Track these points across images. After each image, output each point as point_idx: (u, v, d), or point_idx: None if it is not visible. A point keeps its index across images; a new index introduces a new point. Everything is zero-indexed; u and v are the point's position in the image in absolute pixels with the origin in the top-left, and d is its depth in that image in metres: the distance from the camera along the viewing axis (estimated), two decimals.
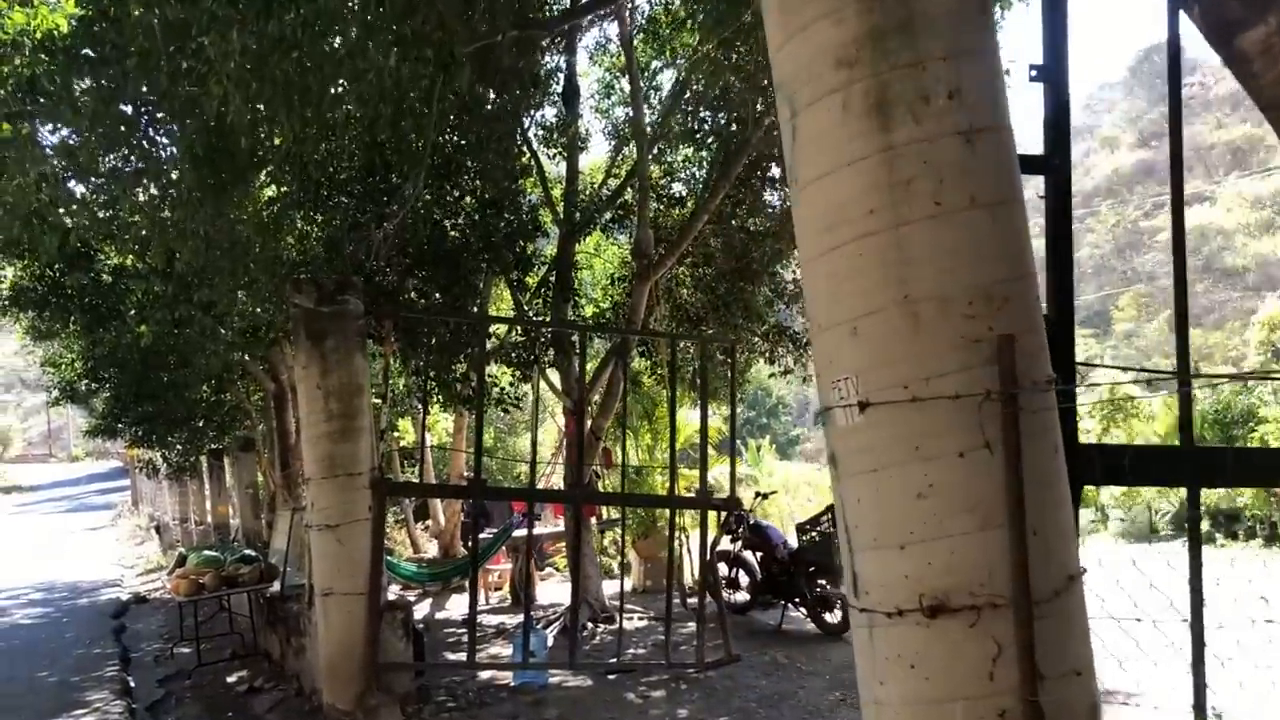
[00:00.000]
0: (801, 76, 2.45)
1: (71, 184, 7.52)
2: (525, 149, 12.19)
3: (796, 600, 10.88)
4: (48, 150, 6.85)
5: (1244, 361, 33.30)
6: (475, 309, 12.49)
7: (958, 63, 2.33)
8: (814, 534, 10.95)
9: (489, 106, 9.54)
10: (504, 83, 8.68)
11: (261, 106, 5.74)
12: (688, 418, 15.46)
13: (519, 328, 12.87)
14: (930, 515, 2.26)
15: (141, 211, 7.71)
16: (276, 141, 7.33)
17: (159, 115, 6.74)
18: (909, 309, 2.28)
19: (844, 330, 2.38)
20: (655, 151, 12.65)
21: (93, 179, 7.43)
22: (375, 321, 9.25)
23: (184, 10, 5.14)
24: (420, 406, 13.22)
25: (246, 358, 14.88)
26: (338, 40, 5.50)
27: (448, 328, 10.85)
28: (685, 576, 13.38)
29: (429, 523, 19.94)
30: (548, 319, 12.33)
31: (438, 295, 11.00)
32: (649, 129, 11.96)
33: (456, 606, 13.88)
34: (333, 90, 5.93)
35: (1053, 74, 2.97)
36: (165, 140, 7.24)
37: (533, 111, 12.19)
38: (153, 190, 7.67)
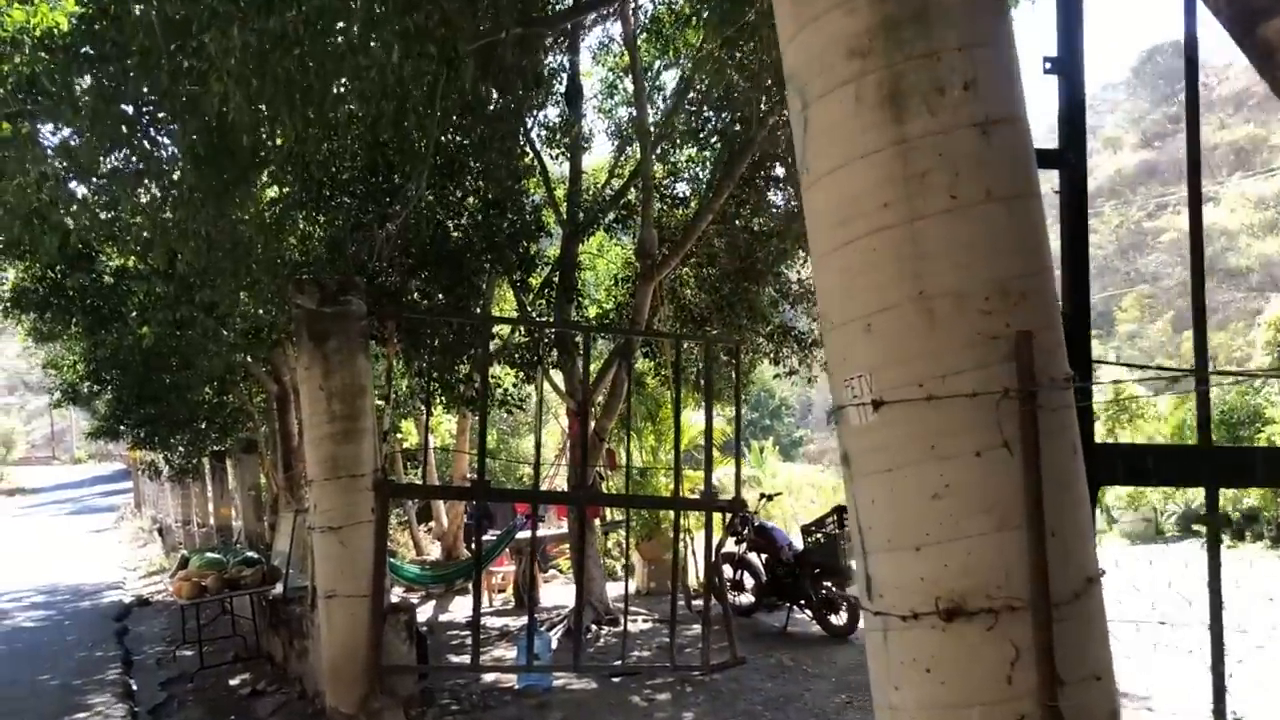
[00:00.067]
0: (813, 67, 2.40)
1: (72, 184, 7.49)
2: (528, 149, 12.15)
3: (802, 602, 10.82)
4: (48, 150, 6.82)
5: (1249, 362, 33.23)
6: (478, 310, 12.45)
7: (973, 53, 2.27)
8: (819, 535, 10.90)
9: (492, 106, 9.50)
10: (507, 81, 8.63)
11: (263, 105, 5.69)
12: (691, 419, 15.40)
13: (522, 328, 12.82)
14: (946, 516, 2.21)
15: (143, 212, 7.67)
16: (278, 141, 7.29)
17: (160, 115, 6.70)
18: (924, 305, 2.23)
19: (857, 327, 2.33)
20: (659, 151, 12.61)
21: (94, 179, 7.39)
22: (378, 322, 9.22)
23: (184, 7, 5.10)
24: (423, 408, 13.18)
25: (249, 359, 14.84)
26: (339, 37, 5.46)
27: (451, 328, 10.81)
28: (689, 578, 13.33)
29: (432, 524, 19.89)
30: (551, 320, 12.28)
31: (441, 296, 10.95)
32: (652, 129, 11.91)
33: (460, 609, 13.83)
34: (334, 88, 5.89)
35: (1067, 66, 2.92)
36: (166, 140, 7.20)
37: (536, 111, 12.16)
38: (154, 191, 7.63)
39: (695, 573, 13.35)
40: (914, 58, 2.26)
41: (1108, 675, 2.27)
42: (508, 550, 14.17)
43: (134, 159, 7.05)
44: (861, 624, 10.07)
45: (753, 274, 12.97)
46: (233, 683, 9.85)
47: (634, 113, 12.39)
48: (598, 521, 14.48)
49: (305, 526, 8.60)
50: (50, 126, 6.91)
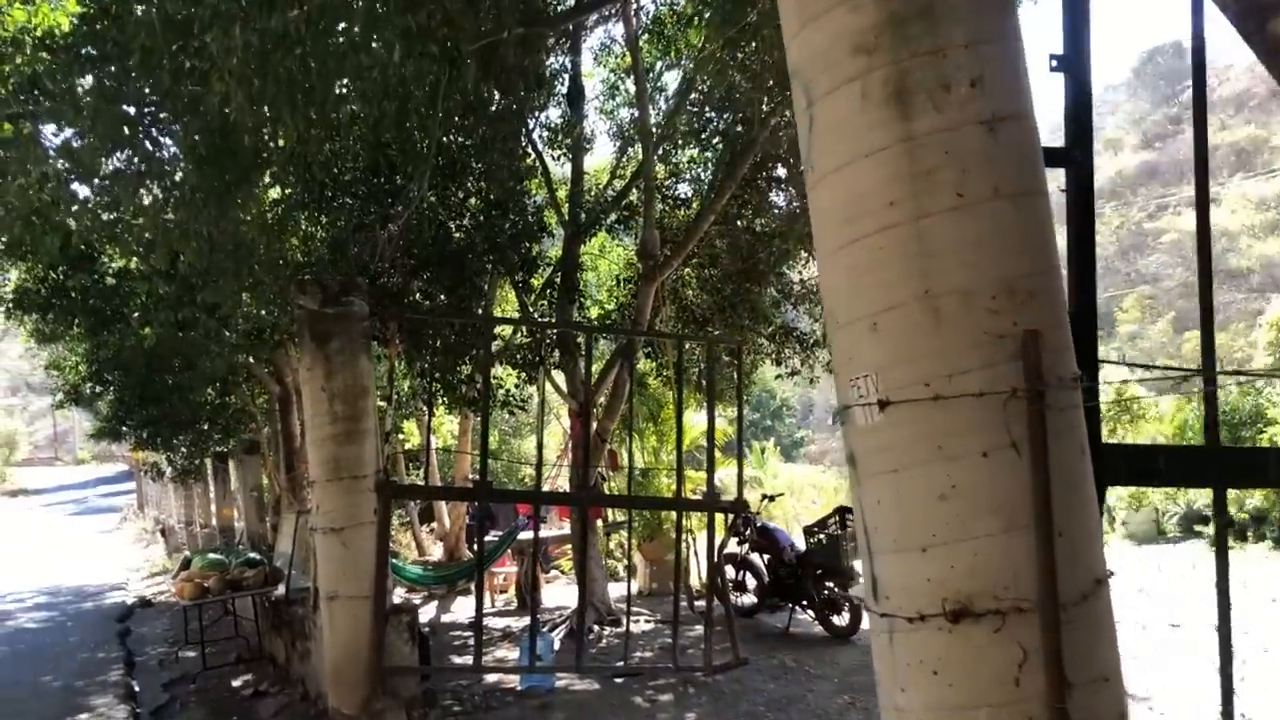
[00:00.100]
0: (818, 64, 2.38)
1: (74, 185, 7.48)
2: (530, 150, 12.14)
3: (804, 603, 10.81)
4: (50, 151, 6.80)
5: (1250, 363, 33.16)
6: (480, 310, 12.43)
7: (980, 50, 2.25)
8: (821, 536, 10.88)
9: (494, 107, 9.49)
10: (509, 82, 8.61)
11: (265, 105, 5.67)
12: (693, 420, 15.38)
13: (524, 329, 12.81)
14: (953, 517, 2.19)
15: (145, 213, 7.65)
16: (280, 142, 7.28)
17: (162, 115, 6.68)
18: (931, 304, 2.20)
19: (863, 326, 2.31)
20: (661, 152, 12.59)
21: (95, 180, 7.37)
22: (380, 323, 9.21)
23: (186, 7, 5.09)
24: (425, 408, 13.16)
25: (251, 360, 14.83)
26: (341, 36, 5.44)
27: (453, 329, 10.80)
28: (692, 579, 13.31)
29: (434, 525, 19.90)
30: (553, 320, 12.27)
31: (443, 297, 10.94)
32: (654, 129, 11.90)
33: (462, 609, 13.81)
34: (336, 88, 5.87)
35: (1073, 64, 2.90)
36: (168, 140, 7.19)
37: (538, 112, 12.15)
38: (156, 191, 7.61)
39: (697, 573, 13.33)
40: (920, 54, 2.24)
41: (1116, 677, 2.25)
42: (510, 551, 14.16)
43: (136, 160, 7.04)
44: (864, 625, 10.09)
45: (755, 275, 12.95)
46: (235, 684, 9.84)
47: (636, 114, 12.38)
48: (600, 522, 14.46)
49: (307, 528, 8.59)
50: (52, 128, 6.90)
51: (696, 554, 13.12)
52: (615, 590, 12.84)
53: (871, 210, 2.28)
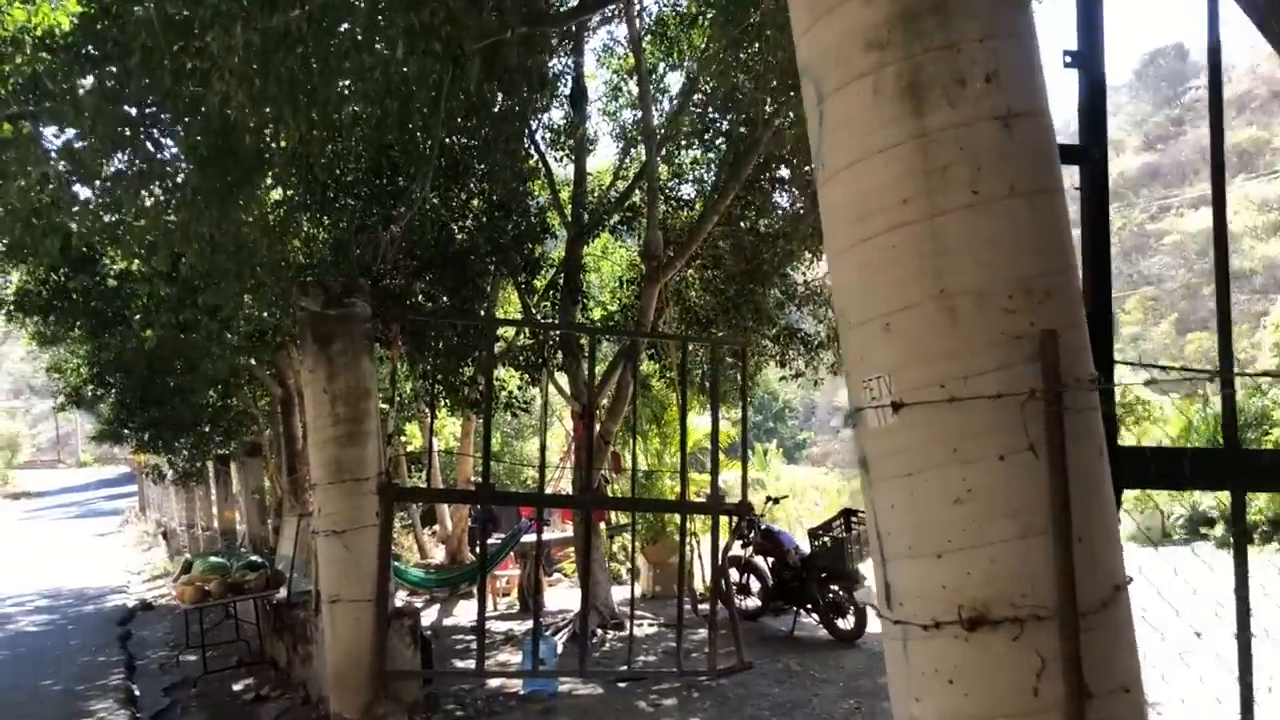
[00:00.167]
0: (829, 60, 2.33)
1: (75, 187, 7.44)
2: (533, 151, 12.10)
3: (809, 606, 10.75)
4: (50, 152, 6.76)
5: (1254, 364, 33.09)
6: (483, 312, 12.39)
7: (994, 44, 2.21)
8: (826, 539, 10.82)
9: (496, 108, 9.45)
10: (512, 83, 8.58)
11: (266, 105, 5.63)
12: (696, 422, 15.33)
13: (527, 330, 12.77)
14: (969, 522, 2.14)
15: (146, 214, 7.62)
16: (282, 143, 7.24)
17: (163, 115, 6.65)
18: (945, 303, 2.16)
19: (876, 326, 2.26)
20: (664, 153, 12.55)
21: (96, 181, 7.34)
22: (382, 325, 9.17)
23: (187, 6, 5.05)
24: (428, 410, 13.12)
25: (253, 362, 14.79)
26: (343, 34, 5.40)
27: (455, 331, 10.76)
28: (695, 582, 13.25)
29: (436, 528, 19.85)
30: (556, 322, 12.23)
31: (445, 298, 10.90)
32: (658, 130, 11.86)
33: (464, 612, 13.76)
34: (338, 87, 5.83)
35: (1087, 60, 2.85)
36: (169, 141, 7.16)
37: (540, 113, 12.12)
38: (157, 193, 7.58)
39: (701, 577, 13.28)
40: (934, 49, 2.19)
41: (1137, 687, 2.20)
42: (513, 554, 14.12)
43: (137, 161, 7.00)
44: (870, 628, 10.03)
45: (758, 276, 12.90)
46: (236, 688, 9.80)
47: (638, 115, 12.34)
48: (603, 525, 14.42)
49: (309, 530, 8.55)
50: (52, 129, 6.86)
51: (700, 557, 13.06)
52: (619, 593, 12.78)
53: (884, 208, 2.24)
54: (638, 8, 11.67)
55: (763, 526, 11.48)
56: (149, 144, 6.83)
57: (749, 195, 12.50)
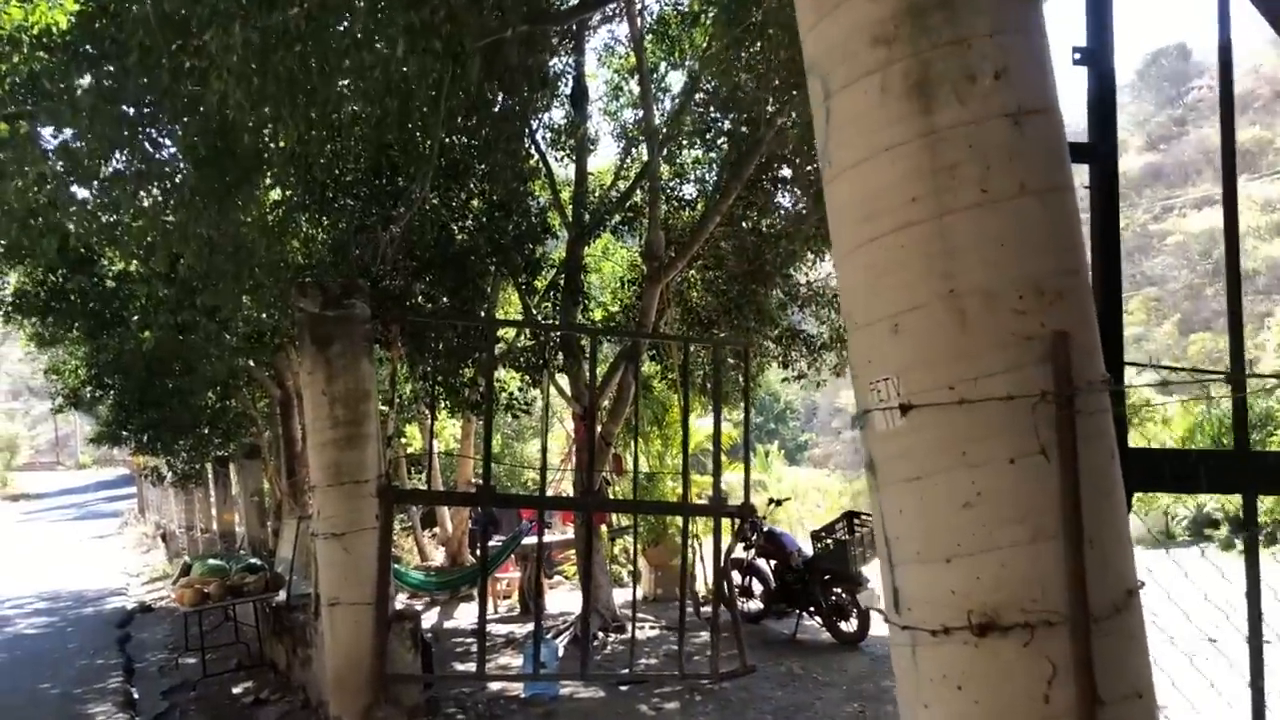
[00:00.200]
0: (835, 56, 2.29)
1: (73, 187, 7.40)
2: (533, 151, 12.06)
3: (811, 609, 10.70)
4: (48, 152, 6.73)
5: (1258, 365, 33.08)
6: (483, 313, 12.35)
7: (1004, 40, 2.17)
8: (829, 541, 10.77)
9: (497, 107, 9.42)
10: (512, 82, 8.54)
11: (265, 104, 5.59)
12: (698, 423, 15.29)
13: (528, 332, 12.73)
14: (978, 526, 2.10)
15: (144, 215, 7.59)
16: (281, 142, 7.21)
17: (161, 115, 6.61)
18: (954, 304, 2.11)
19: (884, 327, 2.22)
20: (665, 152, 12.51)
21: (94, 181, 7.31)
22: (382, 326, 9.14)
23: (185, 4, 5.01)
24: (427, 412, 13.08)
25: (252, 363, 14.76)
26: (343, 32, 5.37)
27: (455, 332, 10.72)
28: (697, 585, 13.21)
29: (436, 530, 19.80)
30: (557, 323, 12.19)
31: (445, 299, 10.86)
32: (662, 130, 11.82)
33: (465, 615, 13.72)
34: (338, 86, 5.80)
35: (1097, 56, 2.81)
36: (168, 141, 7.12)
37: (541, 113, 12.08)
38: (155, 193, 7.54)
39: (703, 579, 13.23)
40: (942, 45, 2.15)
41: (1149, 693, 2.15)
42: (513, 556, 14.08)
43: (135, 161, 6.97)
44: (872, 631, 9.98)
45: (760, 276, 12.86)
46: (236, 691, 9.77)
47: (639, 114, 12.31)
48: (604, 527, 14.38)
49: (309, 533, 8.51)
50: (50, 128, 6.82)
51: (702, 559, 13.02)
52: (620, 596, 12.74)
53: (891, 207, 2.20)
54: (639, 6, 11.63)
55: (765, 528, 11.43)
56: (147, 144, 6.80)
57: (751, 195, 12.45)
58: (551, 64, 11.45)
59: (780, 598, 11.09)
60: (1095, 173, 2.83)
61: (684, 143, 12.74)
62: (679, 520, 11.11)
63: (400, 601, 12.64)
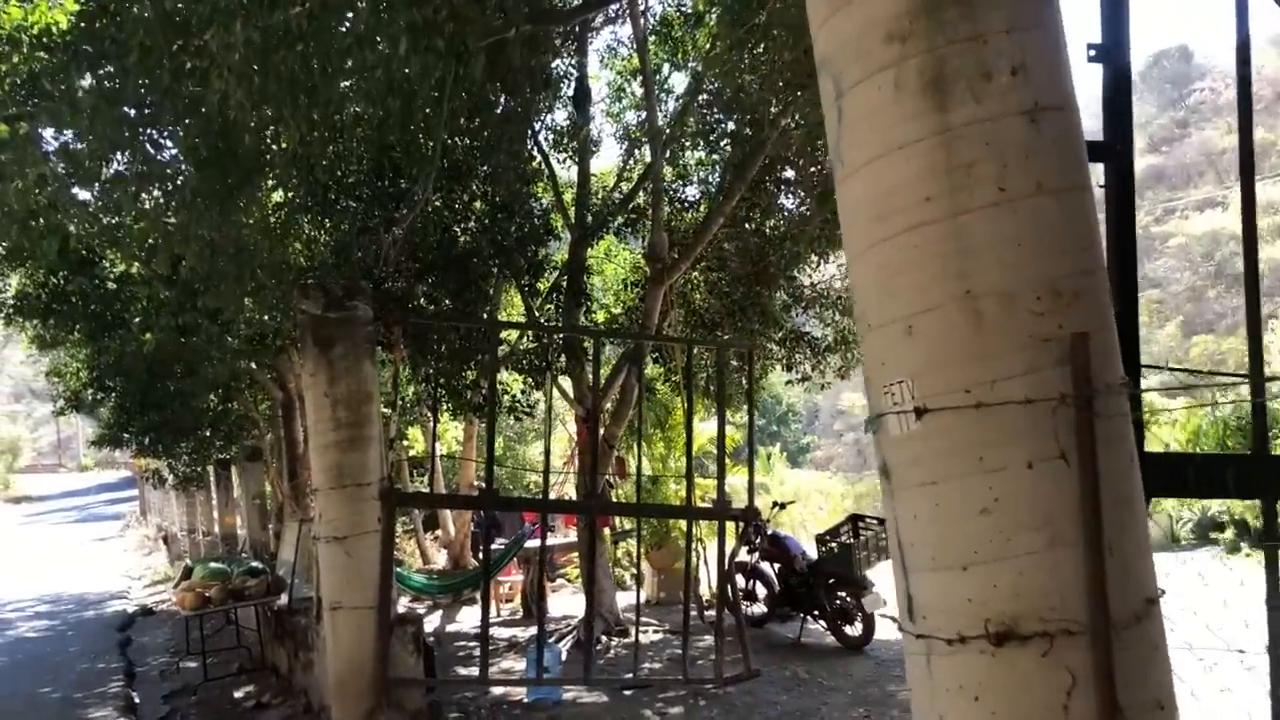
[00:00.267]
0: (848, 53, 2.25)
1: (73, 188, 7.37)
2: (536, 152, 12.02)
3: (816, 613, 10.64)
4: (49, 154, 6.69)
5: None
6: (486, 315, 12.31)
7: (1021, 36, 2.12)
8: (833, 545, 10.72)
9: (499, 109, 9.38)
10: (515, 83, 8.51)
11: (266, 105, 5.55)
12: (702, 426, 15.24)
13: (530, 334, 12.69)
14: (995, 533, 2.05)
15: (145, 216, 7.55)
16: (283, 143, 7.17)
17: (162, 116, 6.57)
18: (970, 305, 2.07)
19: (898, 329, 2.17)
20: (668, 154, 12.46)
21: (95, 183, 7.27)
22: (384, 328, 9.10)
23: (185, 3, 4.97)
24: (430, 414, 13.05)
25: (253, 365, 14.73)
26: (345, 32, 5.33)
27: (458, 334, 10.69)
28: (701, 588, 13.16)
29: (439, 533, 19.75)
30: (559, 325, 12.15)
31: (448, 301, 10.83)
32: (662, 131, 11.78)
33: (467, 619, 13.68)
34: (339, 86, 5.76)
35: (1112, 54, 2.76)
36: (169, 142, 7.08)
37: (543, 114, 12.05)
38: (156, 194, 7.51)
39: (707, 583, 13.18)
40: (958, 41, 2.10)
41: (1170, 703, 2.11)
42: (516, 559, 14.03)
43: (136, 162, 6.93)
44: (877, 635, 9.92)
45: (764, 278, 12.80)
46: (237, 695, 9.72)
47: (642, 116, 12.27)
48: (607, 530, 14.33)
49: (310, 536, 8.47)
50: (51, 129, 6.79)
51: (706, 563, 12.97)
52: (623, 599, 12.68)
53: (905, 206, 2.15)
54: (642, 7, 11.59)
55: (769, 532, 11.37)
56: (148, 144, 6.76)
57: (755, 197, 12.40)
58: (554, 65, 11.41)
59: (784, 601, 11.04)
60: (1110, 171, 2.78)
61: (687, 144, 12.69)
62: (682, 523, 11.06)
63: (402, 605, 12.59)
